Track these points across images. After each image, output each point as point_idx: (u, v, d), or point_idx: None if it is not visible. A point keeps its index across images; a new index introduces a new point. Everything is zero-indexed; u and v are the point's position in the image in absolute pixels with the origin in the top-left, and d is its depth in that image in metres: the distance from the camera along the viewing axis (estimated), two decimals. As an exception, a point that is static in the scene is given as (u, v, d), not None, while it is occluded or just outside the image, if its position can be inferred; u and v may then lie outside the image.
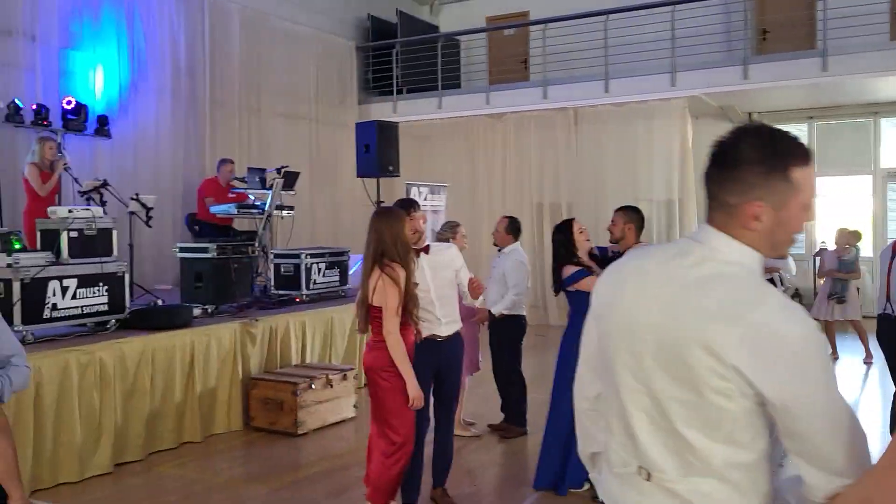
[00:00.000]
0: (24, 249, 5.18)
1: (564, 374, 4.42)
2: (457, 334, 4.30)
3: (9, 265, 5.00)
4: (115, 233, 5.67)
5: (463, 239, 5.71)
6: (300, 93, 12.15)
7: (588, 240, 4.62)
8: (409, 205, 4.24)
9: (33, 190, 6.92)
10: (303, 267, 7.54)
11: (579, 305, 4.57)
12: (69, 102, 8.51)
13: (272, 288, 7.74)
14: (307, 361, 6.78)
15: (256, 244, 7.66)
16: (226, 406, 6.01)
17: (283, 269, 7.69)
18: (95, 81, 9.06)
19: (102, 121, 8.87)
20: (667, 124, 11.29)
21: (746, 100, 11.59)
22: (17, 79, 8.21)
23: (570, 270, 4.51)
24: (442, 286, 4.19)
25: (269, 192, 7.86)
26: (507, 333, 5.92)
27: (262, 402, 6.04)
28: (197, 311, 6.37)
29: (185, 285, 6.73)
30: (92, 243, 5.47)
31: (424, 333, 4.03)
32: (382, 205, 4.11)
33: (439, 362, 4.13)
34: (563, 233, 4.59)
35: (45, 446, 4.75)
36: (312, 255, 7.68)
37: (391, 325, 3.68)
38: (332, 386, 6.20)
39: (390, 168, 8.54)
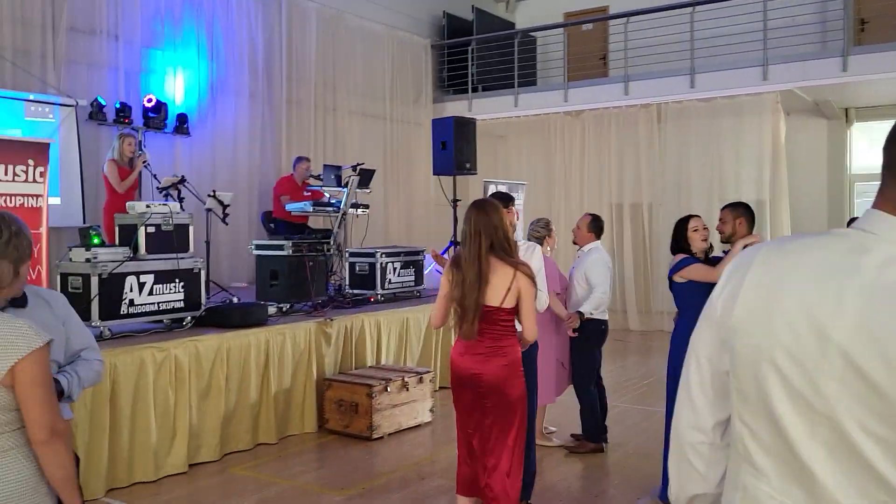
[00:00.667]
0: (102, 244, 5.14)
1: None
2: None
3: (87, 260, 4.96)
4: (191, 229, 5.59)
5: (554, 238, 5.49)
6: (375, 91, 12.06)
7: (704, 240, 4.32)
8: (507, 199, 4.16)
9: (112, 186, 6.94)
10: (378, 266, 7.37)
11: (688, 300, 4.22)
12: (150, 100, 8.59)
13: (347, 287, 7.60)
14: (382, 363, 6.59)
15: (331, 242, 7.53)
16: (300, 407, 5.86)
17: (357, 268, 7.53)
18: (176, 80, 9.13)
19: (182, 119, 8.93)
20: (757, 121, 10.71)
21: (844, 94, 10.89)
22: (100, 77, 8.33)
23: (677, 258, 4.26)
24: None
25: (345, 189, 7.73)
26: (587, 338, 5.52)
27: (337, 404, 5.87)
28: (272, 310, 6.25)
29: (261, 283, 6.64)
30: (169, 239, 5.40)
31: None
32: (475, 201, 3.77)
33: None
34: (679, 227, 4.43)
35: (122, 444, 4.68)
36: (388, 255, 7.50)
37: (535, 326, 3.43)
38: (407, 389, 5.99)
39: (467, 166, 8.30)
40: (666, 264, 11.17)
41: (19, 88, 7.53)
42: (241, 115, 9.84)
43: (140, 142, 8.00)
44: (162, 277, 5.31)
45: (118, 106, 8.24)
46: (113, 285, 5.01)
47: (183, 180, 6.89)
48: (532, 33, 13.58)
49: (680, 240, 4.33)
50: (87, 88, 8.13)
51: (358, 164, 7.97)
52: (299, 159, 8.72)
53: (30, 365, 1.97)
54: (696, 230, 4.31)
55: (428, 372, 6.27)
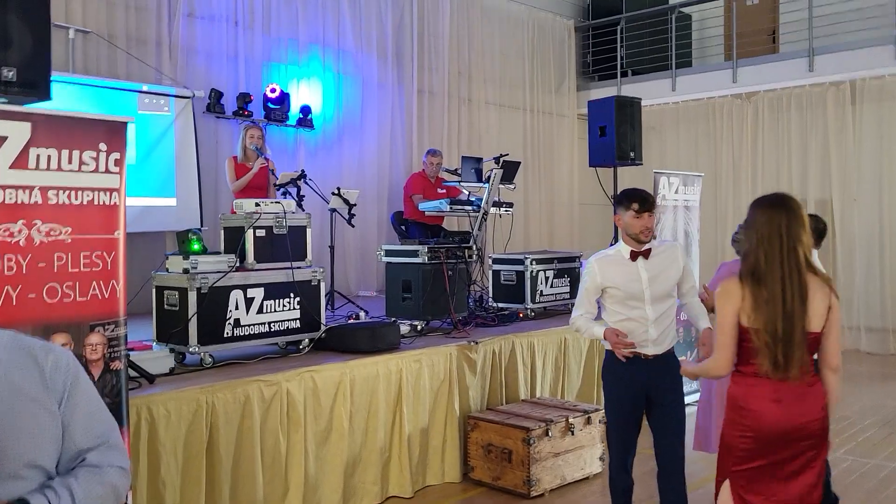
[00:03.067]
0: (203, 251, 4.22)
1: None
2: (670, 353, 3.49)
3: (185, 270, 4.06)
4: (309, 231, 4.61)
5: None
6: (513, 79, 10.90)
7: None
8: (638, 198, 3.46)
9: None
10: (527, 275, 6.18)
11: None
12: (273, 90, 7.80)
13: (490, 299, 6.46)
14: (537, 396, 5.38)
15: (472, 247, 6.43)
16: (439, 452, 4.75)
17: (503, 278, 6.37)
18: (299, 69, 8.30)
19: (305, 111, 8.09)
20: None
21: None
22: (218, 66, 7.60)
23: None
24: (659, 297, 3.42)
25: (486, 185, 6.60)
26: None
27: (485, 450, 4.71)
28: (404, 328, 5.20)
29: (391, 296, 5.59)
30: (282, 244, 4.43)
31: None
32: (772, 197, 2.79)
33: (647, 381, 3.40)
34: None
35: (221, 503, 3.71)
36: (539, 261, 6.29)
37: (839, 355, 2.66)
38: (573, 433, 4.74)
39: (631, 155, 6.95)
40: (865, 270, 9.41)
41: (133, 79, 6.89)
42: (369, 106, 8.93)
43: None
44: (274, 291, 4.34)
45: (238, 97, 7.48)
46: (215, 301, 4.08)
47: (303, 175, 5.95)
48: (687, 9, 11.97)
49: None
50: (204, 79, 7.42)
51: (501, 156, 6.82)
52: (430, 152, 7.66)
53: None
54: None
55: (597, 410, 4.99)
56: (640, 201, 3.39)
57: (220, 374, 3.95)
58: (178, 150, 7.11)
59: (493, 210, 6.92)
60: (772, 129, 10.27)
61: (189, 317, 3.97)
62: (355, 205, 6.56)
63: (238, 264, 4.26)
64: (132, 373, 3.67)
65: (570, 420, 4.75)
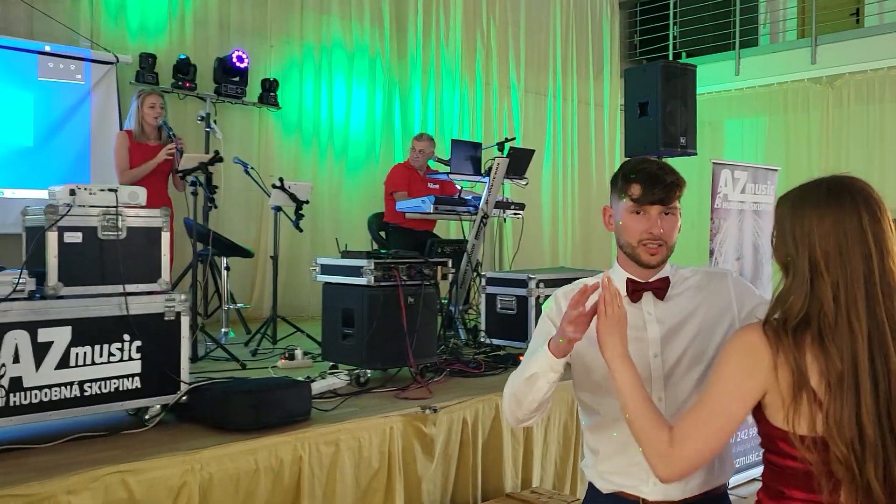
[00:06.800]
0: (-28, 266, 2.62)
1: None
2: (718, 496, 1.76)
3: (-74, 297, 2.46)
4: (164, 236, 2.96)
5: None
6: (541, 61, 9.21)
7: None
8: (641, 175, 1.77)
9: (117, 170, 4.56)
10: (531, 302, 4.45)
11: None
12: (241, 59, 6.20)
13: (483, 334, 4.75)
14: (533, 486, 3.64)
15: (464, 261, 4.79)
16: (367, 583, 3.05)
17: (500, 305, 4.65)
18: (265, 36, 6.72)
19: (269, 85, 6.50)
20: None
21: None
22: (154, 27, 6.06)
23: None
24: (683, 374, 1.74)
25: (486, 179, 4.95)
26: None
27: (437, 584, 3.01)
28: (339, 382, 3.54)
29: (328, 332, 3.92)
30: (110, 258, 2.80)
31: (610, 488, 1.76)
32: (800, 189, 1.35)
33: None
34: None
35: None
36: (548, 283, 4.55)
37: None
38: (578, 562, 3.01)
39: (682, 141, 5.18)
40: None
41: (39, 38, 5.40)
42: (357, 83, 7.32)
43: (208, 115, 5.56)
44: (91, 332, 2.71)
45: (176, 64, 5.94)
46: (-27, 350, 2.47)
47: (217, 159, 4.31)
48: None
49: None
50: (135, 41, 5.90)
51: (505, 140, 5.15)
52: (417, 138, 6.01)
53: None
54: None
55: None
56: (646, 181, 1.71)
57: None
58: (94, 129, 5.60)
59: (495, 212, 5.28)
60: (860, 119, 8.37)
61: (-81, 376, 2.37)
62: (306, 202, 4.92)
63: (33, 288, 2.64)
64: None
65: (575, 541, 3.01)
